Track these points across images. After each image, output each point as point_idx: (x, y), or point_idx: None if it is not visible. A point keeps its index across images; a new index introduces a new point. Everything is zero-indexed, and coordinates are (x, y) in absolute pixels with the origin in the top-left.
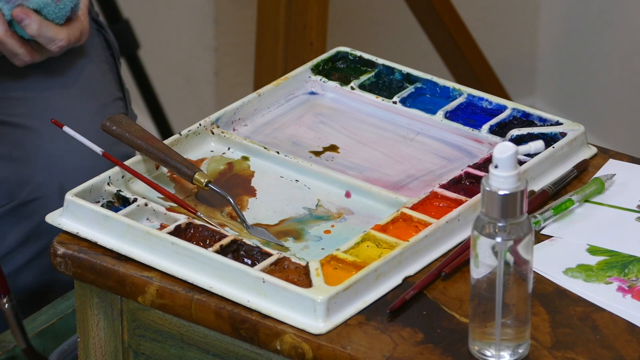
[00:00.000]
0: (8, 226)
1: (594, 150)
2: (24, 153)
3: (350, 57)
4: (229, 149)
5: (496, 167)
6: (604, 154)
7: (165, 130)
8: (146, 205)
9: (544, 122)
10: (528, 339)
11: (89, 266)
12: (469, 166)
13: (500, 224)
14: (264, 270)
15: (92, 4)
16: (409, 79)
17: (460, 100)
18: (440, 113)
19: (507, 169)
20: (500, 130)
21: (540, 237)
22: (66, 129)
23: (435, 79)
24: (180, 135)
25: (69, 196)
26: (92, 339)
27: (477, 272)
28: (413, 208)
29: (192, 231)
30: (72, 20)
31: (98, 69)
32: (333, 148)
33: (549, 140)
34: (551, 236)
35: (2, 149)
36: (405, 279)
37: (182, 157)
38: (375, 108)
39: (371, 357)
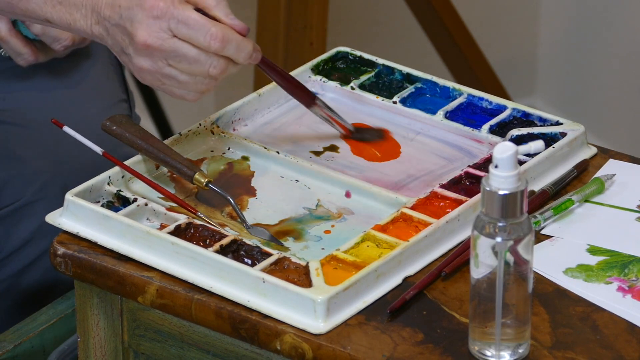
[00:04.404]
0: (13, 226)
1: (594, 150)
2: (28, 153)
3: (350, 57)
4: (229, 149)
5: (496, 167)
6: (604, 154)
7: (165, 130)
8: (146, 205)
9: (544, 122)
10: (528, 339)
11: (89, 266)
12: (469, 166)
13: (500, 224)
14: (264, 270)
15: None
16: (409, 79)
17: (460, 100)
18: (440, 113)
19: (507, 169)
20: (500, 130)
21: (540, 237)
22: (66, 129)
23: (435, 79)
24: (180, 135)
25: (69, 196)
26: (92, 339)
27: (477, 272)
28: (413, 208)
29: (192, 231)
30: None
31: (103, 70)
32: (333, 148)
33: (549, 140)
34: (551, 236)
35: (6, 149)
36: (405, 279)
37: (182, 157)
38: (375, 108)
39: (371, 357)
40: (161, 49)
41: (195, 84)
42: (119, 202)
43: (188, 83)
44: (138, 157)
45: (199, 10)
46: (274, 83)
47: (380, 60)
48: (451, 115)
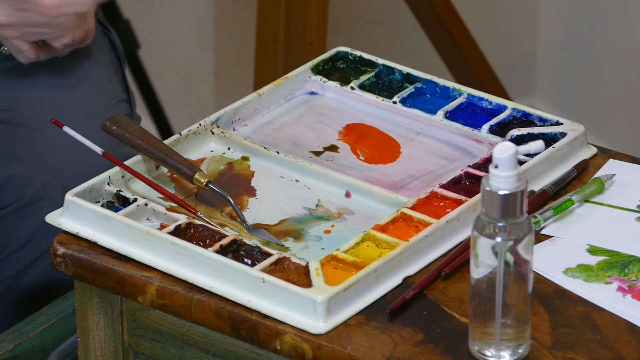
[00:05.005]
0: (13, 226)
1: (594, 150)
2: (28, 153)
3: (350, 57)
4: (229, 149)
5: (496, 167)
6: (604, 154)
7: (165, 130)
8: (146, 205)
9: (544, 122)
10: (528, 339)
11: (89, 266)
12: (469, 166)
13: (500, 224)
14: (264, 270)
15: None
16: (409, 79)
17: (460, 100)
18: (440, 113)
19: (507, 169)
20: (500, 130)
21: (540, 237)
22: (66, 129)
23: (435, 79)
24: (180, 135)
25: (68, 196)
26: (92, 339)
27: (477, 272)
28: (413, 208)
29: (192, 231)
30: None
31: (103, 70)
32: (333, 148)
33: (549, 140)
34: (551, 236)
35: (7, 149)
36: (405, 279)
37: (182, 157)
38: (375, 108)
39: (371, 357)
40: (14, 24)
41: (67, 32)
42: (119, 202)
43: (59, 35)
44: (138, 157)
45: None
46: (273, 83)
47: (380, 60)
48: (451, 115)
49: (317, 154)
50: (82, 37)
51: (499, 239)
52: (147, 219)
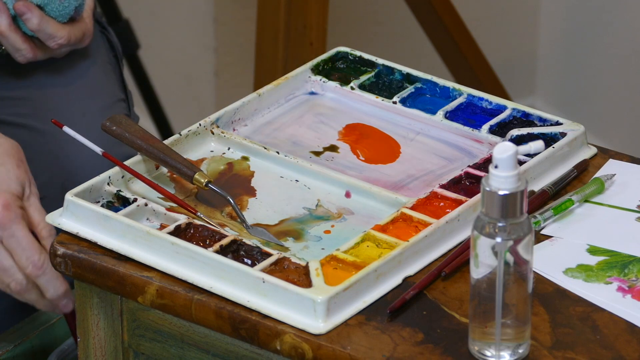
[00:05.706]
0: None
1: (594, 150)
2: (27, 153)
3: (350, 57)
4: (229, 149)
5: (496, 167)
6: (604, 154)
7: (165, 130)
8: (146, 205)
9: (544, 122)
10: (528, 339)
11: (89, 266)
12: (469, 166)
13: (500, 224)
14: (264, 270)
15: (96, 5)
16: (409, 79)
17: (460, 100)
18: (440, 113)
19: (507, 169)
20: (500, 130)
21: (540, 237)
22: (66, 129)
23: (435, 79)
24: (180, 135)
25: (68, 196)
26: (92, 339)
27: (477, 272)
28: (413, 208)
29: (192, 231)
30: (75, 21)
31: (101, 70)
32: (333, 148)
33: (549, 140)
34: (551, 236)
35: None
36: (405, 279)
37: (182, 157)
38: (375, 108)
39: (371, 357)
40: None
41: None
42: (119, 202)
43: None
44: (138, 157)
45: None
46: (273, 83)
47: (380, 60)
48: (451, 115)
49: (317, 154)
50: (79, 38)
51: (499, 239)
52: (147, 219)
